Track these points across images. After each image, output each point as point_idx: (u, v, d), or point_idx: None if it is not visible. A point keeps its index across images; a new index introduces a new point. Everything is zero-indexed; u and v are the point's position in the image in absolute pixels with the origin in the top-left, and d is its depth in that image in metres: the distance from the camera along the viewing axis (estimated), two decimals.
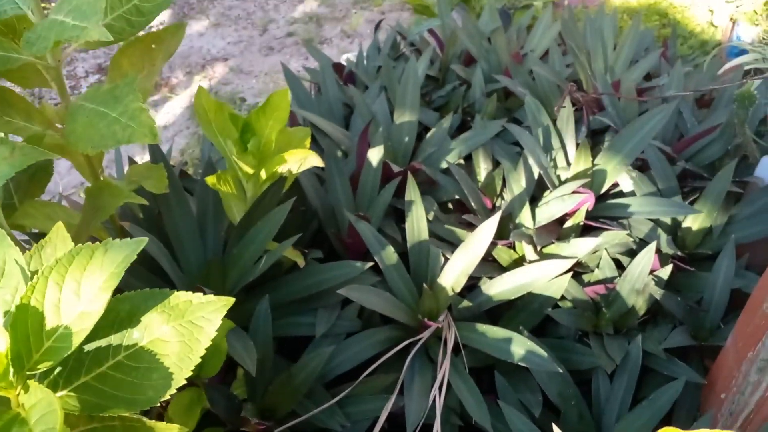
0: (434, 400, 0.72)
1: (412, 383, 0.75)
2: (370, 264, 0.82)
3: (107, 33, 0.56)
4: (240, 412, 0.75)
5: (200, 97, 0.79)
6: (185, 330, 0.49)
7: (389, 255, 0.83)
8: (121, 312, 0.50)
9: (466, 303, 0.84)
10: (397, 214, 1.02)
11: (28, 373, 0.45)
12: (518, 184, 0.98)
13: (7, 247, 0.47)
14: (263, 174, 0.81)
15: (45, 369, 0.45)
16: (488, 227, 0.81)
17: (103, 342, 0.49)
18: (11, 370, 0.44)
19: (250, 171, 0.79)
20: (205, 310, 0.50)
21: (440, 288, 0.83)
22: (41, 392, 0.44)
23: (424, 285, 0.80)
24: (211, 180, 0.77)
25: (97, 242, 0.45)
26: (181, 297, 0.50)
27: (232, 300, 0.50)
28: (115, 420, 0.51)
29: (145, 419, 0.50)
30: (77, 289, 0.46)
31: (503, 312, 0.88)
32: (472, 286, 0.87)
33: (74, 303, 0.46)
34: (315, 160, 0.76)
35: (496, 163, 1.12)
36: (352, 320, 0.85)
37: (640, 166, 1.08)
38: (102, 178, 0.79)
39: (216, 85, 2.36)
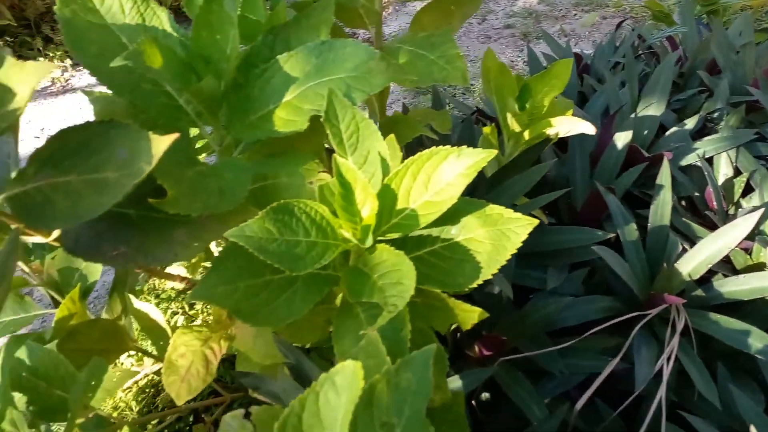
0: (659, 369, 0.76)
1: (640, 350, 0.79)
2: (611, 235, 0.87)
3: None
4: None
5: (488, 59, 0.88)
6: (495, 236, 0.58)
7: (631, 231, 0.87)
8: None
9: (699, 292, 0.86)
10: (628, 199, 1.06)
11: (378, 238, 0.57)
12: None
13: (375, 141, 0.59)
14: (526, 134, 0.89)
15: (389, 239, 0.57)
16: (746, 223, 0.82)
17: (425, 231, 0.60)
18: (371, 229, 0.56)
19: (518, 129, 0.88)
20: (514, 223, 0.59)
21: (676, 272, 0.86)
22: (389, 253, 0.55)
23: (664, 264, 0.84)
24: (486, 129, 0.86)
25: (455, 146, 0.56)
26: (495, 209, 0.60)
27: (536, 221, 0.59)
28: (418, 297, 0.62)
29: (446, 297, 0.60)
30: (427, 181, 0.57)
31: (730, 313, 0.89)
32: (703, 279, 0.89)
33: (422, 193, 0.57)
34: (587, 128, 0.82)
35: (735, 171, 1.10)
36: (577, 285, 0.91)
37: None
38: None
39: None
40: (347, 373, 0.35)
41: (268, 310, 0.56)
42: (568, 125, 0.84)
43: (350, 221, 0.56)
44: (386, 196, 0.57)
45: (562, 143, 1.11)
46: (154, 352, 1.00)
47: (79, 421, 0.72)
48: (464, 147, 0.56)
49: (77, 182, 0.52)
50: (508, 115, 0.87)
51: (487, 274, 0.57)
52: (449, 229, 0.60)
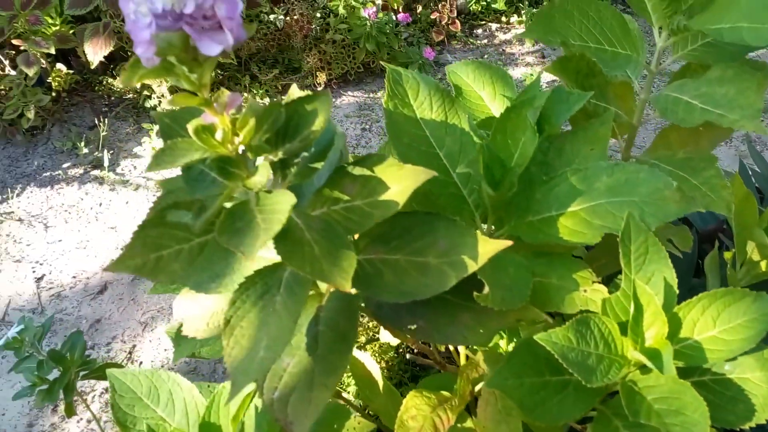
0: None
1: None
2: None
3: (762, 127, 0.69)
4: None
5: (735, 184, 0.89)
6: None
7: None
8: None
9: None
10: None
11: None
12: None
13: (662, 265, 0.63)
14: (763, 265, 0.88)
15: None
16: None
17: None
18: (660, 353, 0.58)
19: (756, 259, 0.88)
20: None
21: None
22: (667, 379, 0.58)
23: None
24: (728, 255, 0.87)
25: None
26: None
27: None
28: None
29: None
30: (716, 317, 0.59)
31: None
32: None
33: (709, 327, 0.59)
34: None
35: None
36: None
37: None
38: None
39: None
40: None
41: (544, 408, 0.60)
42: None
43: (634, 340, 0.59)
44: (673, 323, 0.60)
45: None
46: (352, 399, 1.07)
47: None
48: (762, 294, 0.58)
49: (403, 261, 0.60)
50: (749, 243, 0.87)
51: (761, 418, 0.58)
52: (722, 364, 0.61)
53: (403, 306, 0.65)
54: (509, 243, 0.55)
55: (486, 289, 0.58)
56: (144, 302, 1.66)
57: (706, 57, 0.80)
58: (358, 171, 0.57)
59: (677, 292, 0.61)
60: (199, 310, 0.67)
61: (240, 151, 0.51)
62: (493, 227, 0.75)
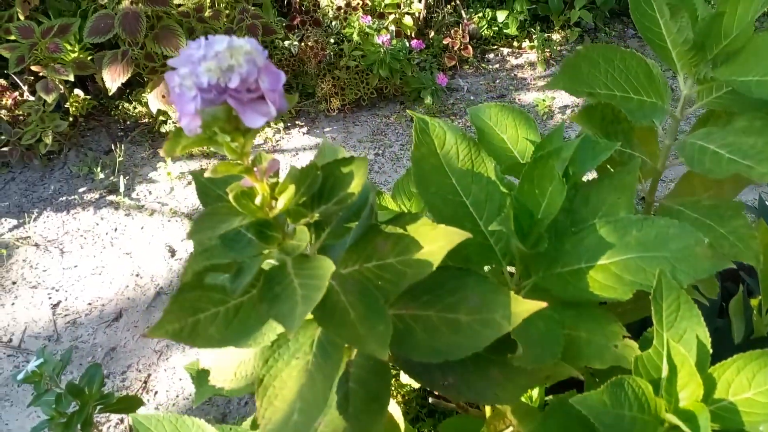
0: None
1: None
2: None
3: None
4: None
5: (762, 233, 0.89)
6: None
7: None
8: None
9: None
10: None
11: None
12: None
13: (694, 323, 0.62)
14: None
15: None
16: None
17: None
18: (696, 415, 0.58)
19: None
20: None
21: None
22: None
23: None
24: (754, 302, 0.87)
25: None
26: None
27: None
28: None
29: None
30: (751, 378, 0.58)
31: None
32: None
33: (744, 389, 0.59)
34: None
35: None
36: None
37: None
38: None
39: None
40: None
41: None
42: None
43: (668, 401, 0.59)
44: (707, 384, 0.59)
45: None
46: None
47: None
48: None
49: (435, 317, 0.60)
50: None
51: None
52: (758, 427, 0.61)
53: (434, 363, 0.64)
54: (543, 304, 0.55)
55: (520, 350, 0.57)
56: None
57: (731, 105, 0.80)
58: (390, 229, 0.57)
59: (711, 351, 0.61)
60: (226, 361, 0.67)
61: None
62: (520, 277, 0.75)
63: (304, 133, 2.40)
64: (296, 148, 2.36)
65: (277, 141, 2.37)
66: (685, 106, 0.84)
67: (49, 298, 1.73)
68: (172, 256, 1.87)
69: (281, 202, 0.49)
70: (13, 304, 1.71)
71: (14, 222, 1.96)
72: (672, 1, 0.67)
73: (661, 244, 0.66)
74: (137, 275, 1.81)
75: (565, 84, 0.78)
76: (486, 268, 0.77)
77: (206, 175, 0.44)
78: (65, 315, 1.69)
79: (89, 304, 1.72)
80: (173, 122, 2.19)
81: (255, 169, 0.49)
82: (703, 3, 0.75)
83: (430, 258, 0.54)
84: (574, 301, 0.71)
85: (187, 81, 0.43)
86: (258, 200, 0.49)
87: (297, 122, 2.45)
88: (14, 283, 1.77)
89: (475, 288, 0.60)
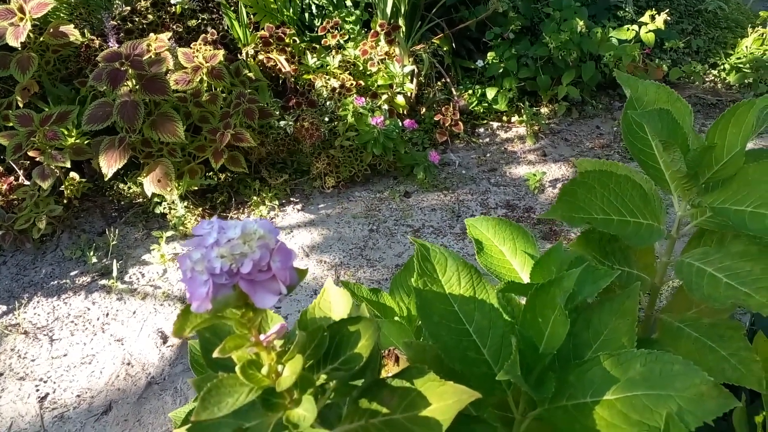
0: None
1: None
2: None
3: None
4: None
5: (759, 343, 0.89)
6: None
7: None
8: None
9: None
10: None
11: None
12: None
13: None
14: None
15: None
16: None
17: None
18: None
19: None
20: None
21: None
22: None
23: None
24: (758, 419, 0.86)
25: None
26: None
27: None
28: None
29: None
30: None
31: None
32: None
33: None
34: None
35: None
36: None
37: None
38: None
39: None
40: None
41: None
42: None
43: None
44: None
45: None
46: None
47: None
48: None
49: None
50: None
51: None
52: None
53: None
54: None
55: None
56: (149, 423, 1.62)
57: (725, 226, 0.81)
58: (397, 383, 0.57)
59: None
60: None
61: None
62: (525, 407, 0.74)
63: (298, 210, 2.42)
64: (291, 225, 2.37)
65: (272, 218, 2.38)
66: (681, 226, 0.85)
67: (37, 390, 1.69)
68: (164, 342, 1.84)
69: (288, 371, 0.49)
70: None
71: (3, 308, 1.93)
72: (664, 138, 0.69)
73: (666, 382, 0.65)
74: (128, 363, 1.77)
75: (563, 212, 0.80)
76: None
77: (215, 355, 0.44)
78: (53, 408, 1.64)
79: (78, 396, 1.68)
80: (168, 204, 2.20)
81: (262, 337, 0.49)
82: (694, 133, 0.78)
83: (439, 417, 0.53)
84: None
85: (199, 266, 0.44)
86: (264, 370, 0.49)
87: (292, 199, 2.46)
88: (1, 374, 1.73)
89: None
